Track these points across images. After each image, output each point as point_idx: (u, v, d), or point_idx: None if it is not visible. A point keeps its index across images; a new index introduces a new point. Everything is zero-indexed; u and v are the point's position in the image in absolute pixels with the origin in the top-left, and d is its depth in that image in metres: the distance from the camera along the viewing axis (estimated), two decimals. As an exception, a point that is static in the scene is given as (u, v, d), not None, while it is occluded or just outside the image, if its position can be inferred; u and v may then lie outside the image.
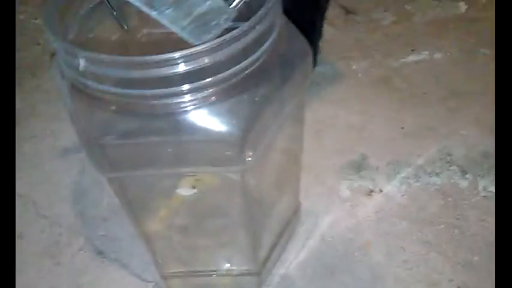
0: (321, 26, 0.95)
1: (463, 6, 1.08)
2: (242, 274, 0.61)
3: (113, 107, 0.39)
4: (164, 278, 0.62)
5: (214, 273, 0.61)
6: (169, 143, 0.40)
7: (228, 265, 0.62)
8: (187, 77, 0.36)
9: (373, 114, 0.85)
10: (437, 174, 0.75)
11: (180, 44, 0.38)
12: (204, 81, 0.37)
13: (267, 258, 0.62)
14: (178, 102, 0.38)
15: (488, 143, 0.78)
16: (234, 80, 0.39)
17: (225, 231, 0.60)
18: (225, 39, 0.36)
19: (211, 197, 0.58)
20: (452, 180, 0.74)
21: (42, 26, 0.39)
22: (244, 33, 0.37)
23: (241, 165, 0.43)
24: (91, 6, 0.45)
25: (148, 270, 0.66)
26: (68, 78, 0.40)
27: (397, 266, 0.65)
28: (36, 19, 1.12)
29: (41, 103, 0.91)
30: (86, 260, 0.68)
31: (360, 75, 0.93)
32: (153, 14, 0.38)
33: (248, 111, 0.40)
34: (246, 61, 0.39)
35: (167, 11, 0.38)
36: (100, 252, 0.69)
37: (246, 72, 0.39)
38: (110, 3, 0.44)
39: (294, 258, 0.67)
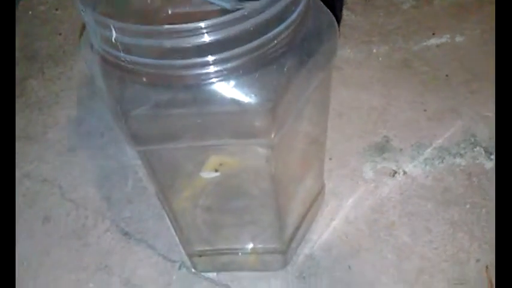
0: (340, 11, 0.95)
1: (484, -11, 1.06)
2: (267, 252, 0.61)
3: (144, 79, 0.39)
4: (189, 256, 0.63)
5: (240, 251, 0.61)
6: (199, 114, 0.41)
7: (252, 244, 0.62)
8: (215, 47, 0.36)
9: (395, 97, 0.84)
10: (461, 156, 0.75)
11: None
12: (232, 51, 0.37)
13: (292, 237, 0.62)
14: (207, 73, 0.38)
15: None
16: (262, 51, 0.39)
17: (248, 211, 0.61)
18: (252, 9, 0.36)
19: (234, 179, 0.59)
20: (477, 161, 0.74)
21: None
22: (272, 3, 0.37)
23: (270, 138, 0.43)
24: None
25: (174, 251, 0.66)
26: (98, 50, 0.41)
27: (422, 245, 0.65)
28: (56, 10, 1.13)
29: (64, 90, 0.93)
30: (112, 241, 0.69)
31: (380, 59, 0.92)
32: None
33: (277, 82, 0.40)
34: (273, 31, 0.39)
35: None
36: (126, 234, 0.69)
37: (274, 42, 0.39)
38: None
39: (319, 238, 0.67)
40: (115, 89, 0.41)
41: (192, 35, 0.36)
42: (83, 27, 0.42)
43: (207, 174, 0.56)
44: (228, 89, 0.39)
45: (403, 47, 0.94)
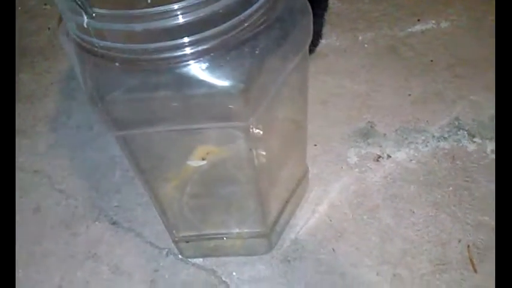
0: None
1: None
2: (252, 236, 0.62)
3: (117, 64, 0.40)
4: (176, 242, 0.64)
5: (225, 236, 0.62)
6: (173, 98, 0.41)
7: (237, 229, 0.63)
8: (186, 30, 0.37)
9: (380, 83, 0.85)
10: (445, 139, 0.75)
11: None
12: (203, 33, 0.38)
13: (276, 221, 0.63)
14: (179, 56, 0.38)
15: (497, 107, 0.78)
16: (233, 33, 0.39)
17: (234, 198, 0.62)
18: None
19: (221, 167, 0.60)
20: (460, 144, 0.74)
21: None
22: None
23: (246, 121, 0.44)
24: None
25: (161, 238, 0.67)
26: (74, 38, 0.41)
27: (405, 227, 0.66)
28: (45, 5, 1.14)
29: (54, 84, 0.93)
30: (101, 230, 0.70)
31: (366, 45, 0.93)
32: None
33: (249, 64, 0.41)
34: (244, 13, 0.39)
35: None
36: (114, 223, 0.70)
37: (246, 24, 0.40)
38: None
39: (304, 223, 0.68)
40: (90, 75, 0.42)
41: (162, 18, 0.36)
42: (60, 17, 0.43)
43: (195, 163, 0.57)
44: (200, 72, 0.40)
45: (388, 33, 0.95)
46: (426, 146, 0.75)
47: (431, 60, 0.88)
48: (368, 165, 0.73)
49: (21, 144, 0.83)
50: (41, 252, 0.68)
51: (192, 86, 0.40)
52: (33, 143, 0.83)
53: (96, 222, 0.71)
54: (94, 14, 0.37)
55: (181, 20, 0.36)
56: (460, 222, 0.65)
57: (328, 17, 0.93)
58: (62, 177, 0.77)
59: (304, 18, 0.48)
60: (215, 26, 0.38)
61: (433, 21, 0.96)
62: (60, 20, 0.44)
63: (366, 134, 0.77)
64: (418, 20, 0.96)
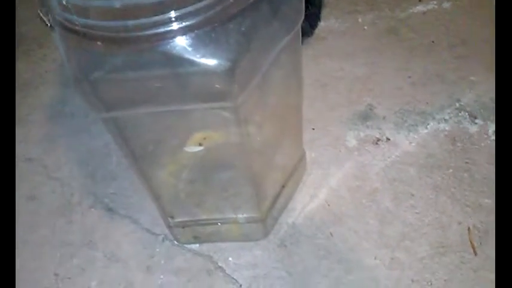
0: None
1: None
2: (247, 222, 0.61)
3: (99, 43, 0.38)
4: (172, 228, 0.63)
5: (221, 221, 0.61)
6: (156, 77, 0.40)
7: (233, 214, 0.62)
8: (169, 5, 0.36)
9: (380, 66, 0.83)
10: (446, 121, 0.74)
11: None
12: (186, 8, 0.36)
13: (272, 206, 0.62)
14: (162, 33, 0.37)
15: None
16: (218, 9, 0.38)
17: (230, 183, 0.60)
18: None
19: (217, 152, 0.58)
20: (461, 126, 0.73)
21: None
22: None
23: (234, 101, 0.43)
24: None
25: (157, 224, 0.67)
26: (56, 19, 0.40)
27: (405, 210, 0.64)
28: (42, -7, 1.13)
29: (49, 72, 0.92)
30: (97, 217, 0.69)
31: (366, 27, 0.91)
32: None
33: (236, 42, 0.40)
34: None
35: None
36: (110, 209, 0.70)
37: (232, 0, 0.38)
38: None
39: (302, 207, 0.67)
40: (73, 55, 0.41)
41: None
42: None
43: (191, 149, 0.56)
44: (184, 50, 0.38)
45: (389, 15, 0.93)
46: (426, 128, 0.73)
47: (433, 41, 0.86)
48: (367, 148, 0.72)
49: (17, 133, 0.82)
50: (36, 240, 0.67)
51: (176, 65, 0.39)
52: (28, 131, 0.82)
53: (92, 209, 0.70)
54: (72, -9, 0.36)
55: (163, -5, 0.35)
56: (460, 204, 0.64)
57: (327, -1, 0.91)
58: (58, 165, 0.76)
59: (295, -4, 0.46)
60: (199, 1, 0.37)
61: (435, 2, 0.94)
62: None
63: (365, 116, 0.76)
64: (420, 1, 0.94)
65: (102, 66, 0.39)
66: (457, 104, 0.76)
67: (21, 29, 1.03)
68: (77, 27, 0.38)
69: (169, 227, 0.63)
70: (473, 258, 0.59)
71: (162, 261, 0.63)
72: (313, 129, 0.75)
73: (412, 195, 0.66)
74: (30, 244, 0.67)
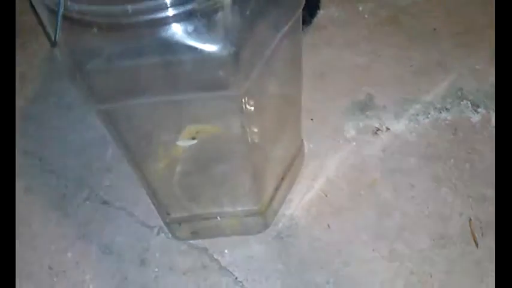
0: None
1: None
2: (247, 215, 0.60)
3: (95, 29, 0.37)
4: (167, 224, 0.62)
5: (219, 215, 0.60)
6: (157, 65, 0.38)
7: (231, 208, 0.61)
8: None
9: (380, 54, 0.82)
10: (447, 110, 0.72)
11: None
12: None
13: (272, 198, 0.61)
14: (162, 18, 0.35)
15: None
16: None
17: (227, 175, 0.59)
18: None
19: (212, 144, 0.57)
20: (463, 115, 0.71)
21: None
22: None
23: (238, 88, 0.40)
24: None
25: (152, 217, 0.65)
26: (48, 4, 0.39)
27: (404, 202, 0.63)
28: (39, -16, 1.11)
29: (45, 64, 0.91)
30: (92, 209, 0.68)
31: (366, 16, 0.89)
32: None
33: (240, 26, 0.37)
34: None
35: None
36: (105, 202, 0.69)
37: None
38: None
39: (300, 199, 0.65)
40: (68, 44, 0.39)
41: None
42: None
43: (184, 143, 0.55)
44: (185, 36, 0.36)
45: (390, 2, 0.91)
46: (427, 117, 0.72)
47: (435, 29, 0.84)
48: (366, 138, 0.70)
49: (13, 125, 0.81)
50: (31, 233, 0.67)
51: (177, 51, 0.36)
52: (24, 123, 0.81)
53: (87, 202, 0.69)
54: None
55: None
56: (461, 195, 0.63)
57: (327, -13, 0.89)
58: (53, 158, 0.75)
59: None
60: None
61: (437, -11, 0.92)
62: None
63: (365, 106, 0.74)
64: (421, -12, 0.92)
65: (98, 55, 0.38)
66: (459, 93, 0.74)
67: (17, 20, 1.02)
68: (70, 13, 0.37)
69: (165, 223, 0.62)
70: (475, 250, 0.57)
71: (157, 254, 0.62)
72: (312, 119, 0.73)
73: (412, 186, 0.64)
74: (25, 237, 0.66)
